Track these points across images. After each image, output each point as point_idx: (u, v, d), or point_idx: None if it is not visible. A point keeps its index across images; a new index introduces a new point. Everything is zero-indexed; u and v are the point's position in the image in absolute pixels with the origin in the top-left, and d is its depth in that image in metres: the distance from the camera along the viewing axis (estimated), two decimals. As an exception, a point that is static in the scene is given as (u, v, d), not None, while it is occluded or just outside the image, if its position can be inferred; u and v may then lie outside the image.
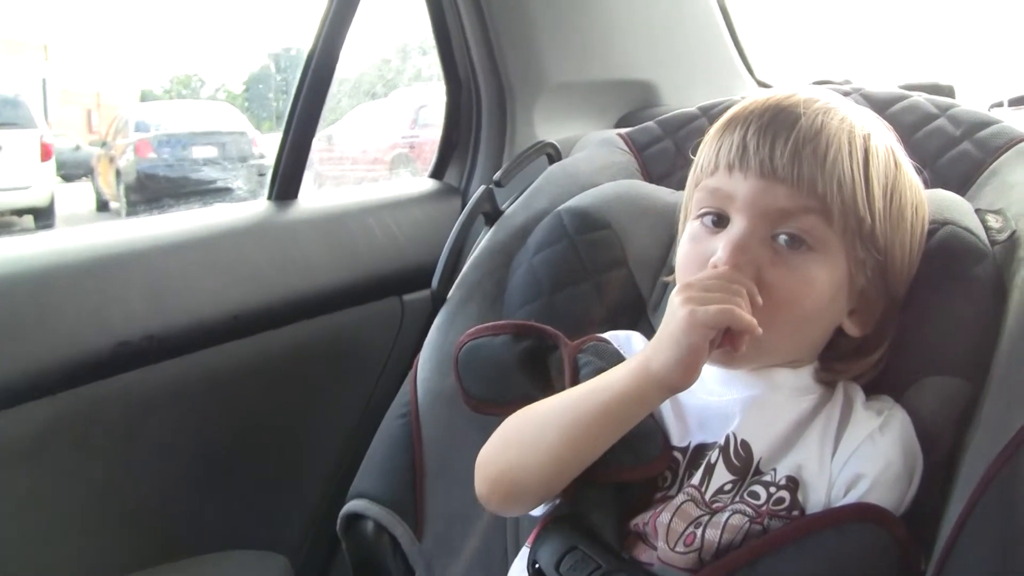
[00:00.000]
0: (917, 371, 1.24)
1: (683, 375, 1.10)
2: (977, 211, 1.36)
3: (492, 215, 1.72)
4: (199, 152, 8.59)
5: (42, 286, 1.60)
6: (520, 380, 1.34)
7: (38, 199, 7.63)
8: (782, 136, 1.18)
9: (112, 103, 11.81)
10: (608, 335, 1.38)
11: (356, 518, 1.53)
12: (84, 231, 1.78)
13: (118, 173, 8.73)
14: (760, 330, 1.09)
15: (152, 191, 8.25)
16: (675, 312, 1.10)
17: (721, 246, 1.17)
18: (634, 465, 1.20)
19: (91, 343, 1.60)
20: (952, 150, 1.53)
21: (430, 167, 2.37)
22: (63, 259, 1.66)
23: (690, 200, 1.30)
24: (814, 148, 1.17)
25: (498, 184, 1.73)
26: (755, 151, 1.19)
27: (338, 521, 1.55)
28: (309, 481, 1.99)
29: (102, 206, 9.33)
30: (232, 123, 9.07)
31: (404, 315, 2.06)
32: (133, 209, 8.35)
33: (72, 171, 9.49)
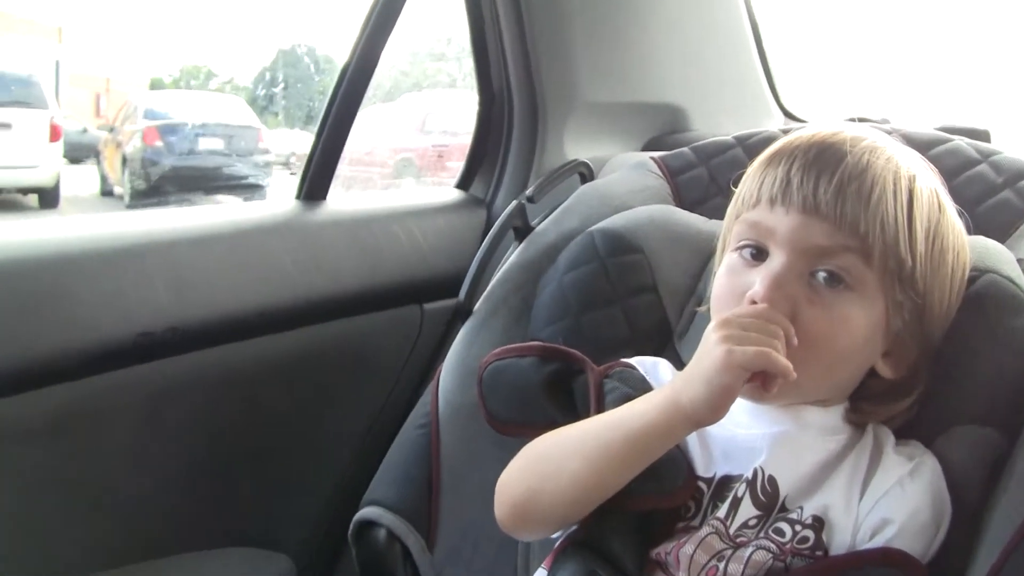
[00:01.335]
0: (949, 419, 1.23)
1: (713, 412, 1.10)
2: (1019, 261, 1.35)
3: (523, 231, 1.71)
4: (206, 143, 8.60)
5: (65, 271, 1.59)
6: (545, 403, 1.33)
7: (44, 179, 7.65)
8: (827, 173, 1.17)
9: (121, 89, 11.83)
10: (635, 361, 1.37)
11: (368, 525, 1.53)
12: (107, 219, 1.77)
13: (124, 159, 8.74)
14: (794, 375, 1.08)
15: (156, 178, 8.26)
16: (711, 349, 1.10)
17: (759, 280, 1.16)
18: (658, 494, 1.19)
19: (112, 331, 1.60)
20: (993, 198, 1.51)
21: (430, 180, 2.37)
22: (88, 246, 1.65)
23: (729, 232, 1.29)
24: (859, 187, 1.16)
25: (531, 200, 1.72)
26: (799, 186, 1.18)
27: (350, 527, 1.54)
28: (317, 483, 1.98)
29: (106, 190, 9.34)
30: (240, 117, 9.08)
31: (423, 323, 2.05)
32: (136, 195, 8.36)
33: (78, 153, 9.50)
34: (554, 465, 1.21)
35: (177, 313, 1.67)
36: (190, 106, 9.74)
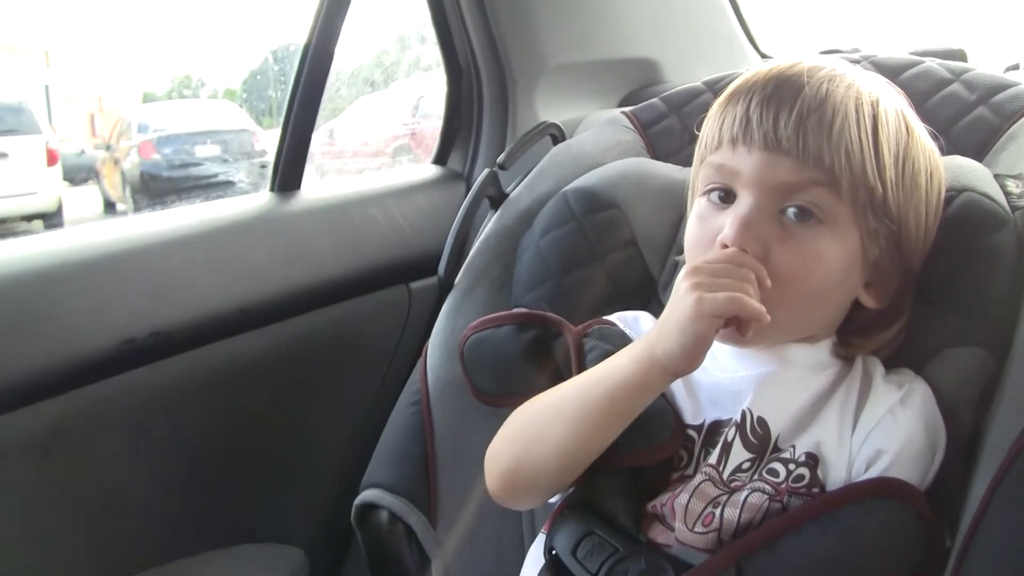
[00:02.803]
0: (938, 343, 1.22)
1: (688, 362, 1.08)
2: (996, 176, 1.33)
3: (497, 199, 1.70)
4: (202, 151, 8.63)
5: (45, 286, 1.58)
6: (527, 370, 1.33)
7: (46, 204, 7.69)
8: (786, 107, 1.15)
9: (114, 106, 11.86)
10: (615, 316, 1.36)
11: (370, 508, 1.53)
12: (85, 230, 1.76)
13: (123, 175, 8.79)
14: (768, 318, 1.06)
15: (157, 191, 8.31)
16: (682, 298, 1.08)
17: (728, 223, 1.14)
18: (646, 448, 1.18)
19: (96, 342, 1.59)
20: (967, 116, 1.49)
21: (432, 153, 2.35)
22: (65, 259, 1.64)
23: (696, 177, 1.27)
24: (819, 117, 1.14)
25: (502, 167, 1.71)
26: (758, 124, 1.15)
27: (352, 511, 1.54)
28: (321, 472, 1.98)
29: (109, 208, 9.39)
30: (233, 120, 9.11)
31: (411, 303, 2.05)
32: (139, 209, 8.42)
33: (78, 175, 9.55)
34: (537, 431, 1.20)
35: (159, 317, 1.66)
36: (183, 115, 9.78)
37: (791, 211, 1.14)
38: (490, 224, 1.68)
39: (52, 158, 7.75)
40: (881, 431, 1.13)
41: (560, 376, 1.27)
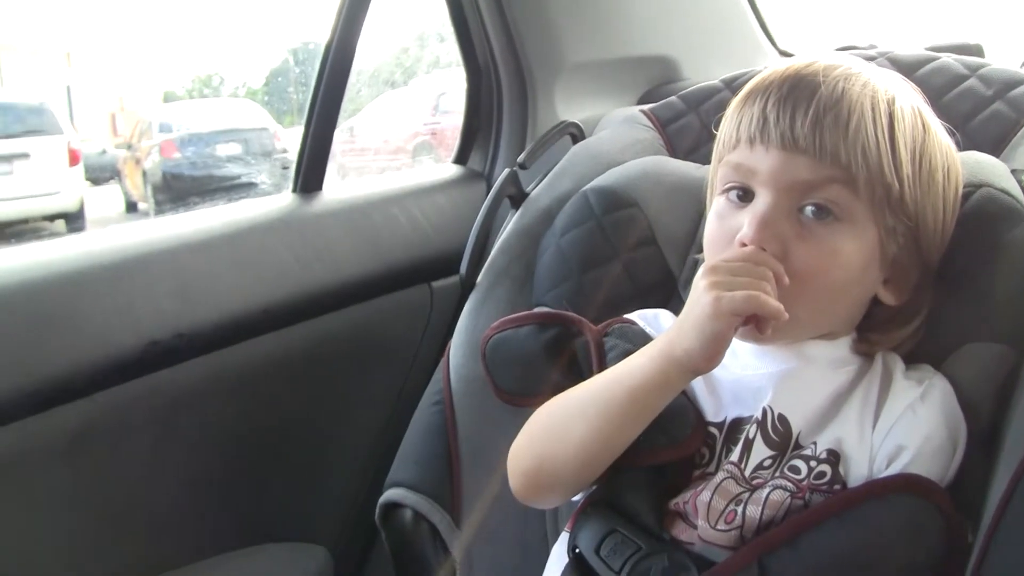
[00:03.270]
0: (957, 339, 1.22)
1: (707, 360, 1.09)
2: (1013, 172, 1.33)
3: (517, 198, 1.71)
4: (223, 149, 8.65)
5: (70, 289, 1.59)
6: (549, 370, 1.33)
7: (68, 204, 7.71)
8: (802, 106, 1.16)
9: (135, 106, 11.90)
10: (636, 315, 1.37)
11: (394, 507, 1.53)
12: (109, 233, 1.77)
13: (145, 174, 8.82)
14: (786, 316, 1.07)
15: (179, 190, 8.33)
16: (700, 297, 1.09)
17: (746, 222, 1.15)
18: (667, 446, 1.19)
19: (121, 344, 1.60)
20: (984, 111, 1.50)
21: (453, 153, 2.36)
22: (89, 262, 1.65)
23: (715, 176, 1.28)
24: (835, 116, 1.14)
25: (522, 166, 1.72)
26: (775, 123, 1.16)
27: (376, 510, 1.55)
28: (345, 471, 1.98)
29: (131, 207, 9.42)
30: (254, 119, 9.13)
31: (433, 302, 2.05)
32: (161, 208, 8.45)
33: (99, 175, 9.57)
34: (559, 430, 1.21)
35: (183, 319, 1.67)
36: (204, 115, 9.81)
37: (809, 209, 1.15)
38: (511, 224, 1.68)
39: (74, 158, 7.77)
40: (902, 427, 1.13)
41: (581, 375, 1.28)
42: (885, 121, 1.16)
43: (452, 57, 2.36)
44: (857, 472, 1.13)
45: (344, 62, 1.95)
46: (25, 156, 7.45)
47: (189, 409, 1.71)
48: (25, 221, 7.58)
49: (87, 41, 11.24)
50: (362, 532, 1.96)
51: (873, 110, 1.16)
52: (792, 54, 2.58)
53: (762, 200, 1.16)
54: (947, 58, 1.59)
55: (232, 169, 8.29)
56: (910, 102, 1.21)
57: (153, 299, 1.65)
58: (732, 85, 1.71)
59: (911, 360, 1.23)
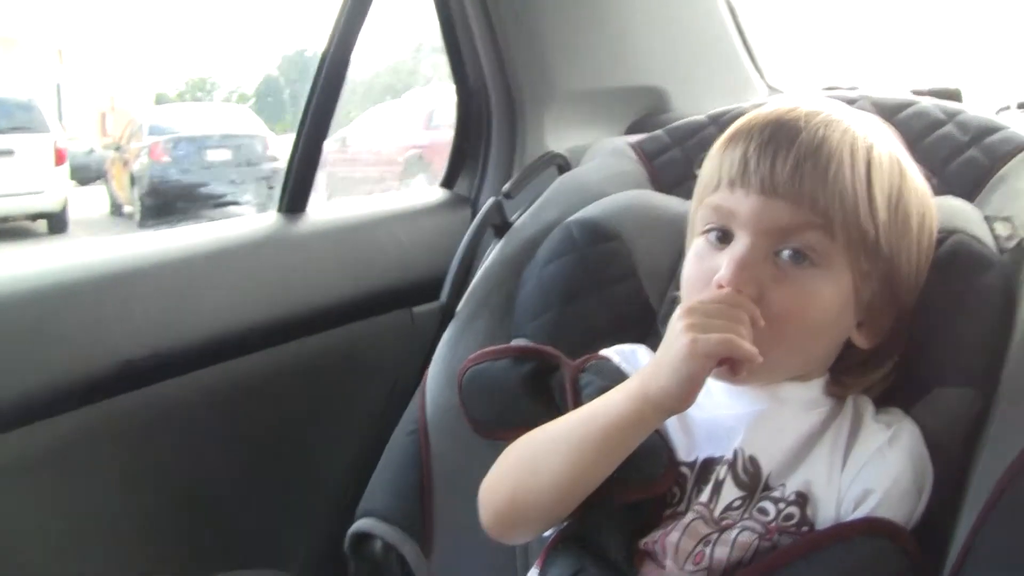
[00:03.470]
0: (928, 383, 1.24)
1: (681, 401, 1.10)
2: (986, 218, 1.35)
3: (501, 227, 1.71)
4: (214, 155, 8.63)
5: (45, 305, 1.59)
6: (524, 404, 1.33)
7: (51, 204, 7.70)
8: (782, 152, 1.17)
9: (126, 106, 11.86)
10: (613, 350, 1.37)
11: (364, 537, 1.53)
12: (87, 248, 1.77)
13: (132, 177, 8.77)
14: (760, 359, 1.08)
15: (166, 195, 8.30)
16: (676, 338, 1.10)
17: (724, 264, 1.16)
18: (639, 485, 1.19)
19: (96, 362, 1.60)
20: (960, 156, 1.52)
21: (441, 175, 2.36)
22: (66, 277, 1.65)
23: (695, 216, 1.29)
24: (815, 163, 1.16)
25: (507, 195, 1.73)
26: (756, 168, 1.18)
27: (346, 540, 1.55)
28: (319, 498, 1.97)
29: (116, 210, 9.38)
30: (246, 126, 9.11)
31: (415, 327, 2.05)
32: (147, 213, 8.39)
33: (86, 175, 9.53)
34: (532, 465, 1.21)
35: (160, 338, 1.66)
36: (195, 119, 9.77)
37: (786, 253, 1.16)
38: (493, 253, 1.69)
39: (60, 157, 7.76)
40: (870, 471, 1.15)
41: (557, 410, 1.28)
42: (863, 168, 1.18)
43: (447, 70, 2.36)
44: (825, 514, 1.14)
45: (335, 82, 1.95)
46: (9, 153, 7.43)
47: (163, 431, 1.70)
48: (6, 220, 7.56)
49: (79, 39, 11.21)
50: (333, 561, 1.94)
51: (852, 157, 1.17)
52: (781, 90, 2.60)
53: (741, 243, 1.17)
54: (926, 102, 1.61)
55: (222, 175, 8.28)
56: (888, 149, 1.23)
57: (130, 317, 1.65)
58: (719, 121, 1.71)
59: (882, 403, 1.24)
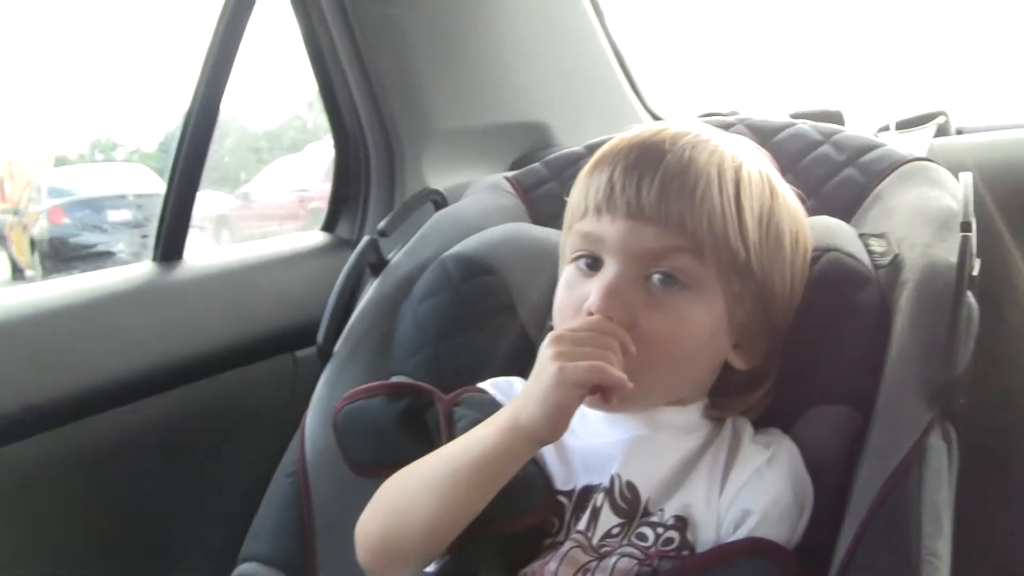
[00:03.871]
0: (806, 401, 1.23)
1: (551, 431, 1.08)
2: (861, 236, 1.36)
3: (378, 266, 1.69)
4: (114, 215, 8.51)
5: None
6: (401, 441, 1.30)
7: (-53, 269, 7.53)
8: (648, 174, 1.16)
9: (25, 171, 11.69)
10: (488, 383, 1.36)
11: None
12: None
13: (32, 241, 8.63)
14: (630, 385, 1.07)
15: (67, 256, 8.17)
16: (545, 366, 1.09)
17: (594, 290, 1.15)
18: (516, 516, 1.17)
19: None
20: (837, 176, 1.52)
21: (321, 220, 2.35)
22: None
23: (565, 244, 1.28)
24: (681, 184, 1.15)
25: (383, 234, 1.70)
26: (621, 192, 1.17)
27: None
28: (203, 548, 1.89)
29: (17, 274, 9.21)
30: (146, 184, 9.01)
31: (297, 371, 2.02)
32: (48, 276, 8.26)
33: (-16, 241, 9.35)
34: (405, 502, 1.19)
35: (33, 390, 1.62)
36: (95, 180, 9.64)
37: (656, 277, 1.15)
38: (370, 292, 1.66)
39: (-44, 224, 7.63)
40: (748, 492, 1.14)
41: (433, 446, 1.25)
42: (731, 188, 1.17)
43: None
44: (705, 537, 1.13)
45: (205, 129, 1.93)
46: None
47: (38, 486, 1.65)
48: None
49: (-26, 106, 11.04)
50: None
51: (720, 177, 1.17)
52: (664, 118, 2.61)
53: (609, 269, 1.16)
54: (803, 124, 1.61)
55: (123, 235, 8.17)
56: (758, 168, 1.22)
57: (1, 369, 1.60)
58: (595, 150, 1.71)
59: (762, 423, 1.24)
